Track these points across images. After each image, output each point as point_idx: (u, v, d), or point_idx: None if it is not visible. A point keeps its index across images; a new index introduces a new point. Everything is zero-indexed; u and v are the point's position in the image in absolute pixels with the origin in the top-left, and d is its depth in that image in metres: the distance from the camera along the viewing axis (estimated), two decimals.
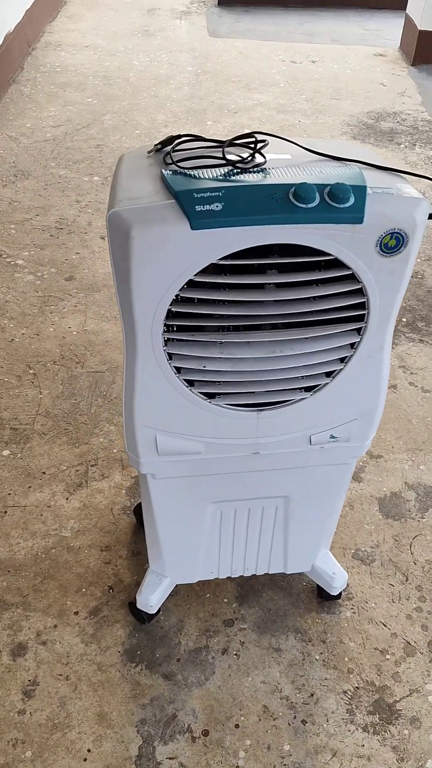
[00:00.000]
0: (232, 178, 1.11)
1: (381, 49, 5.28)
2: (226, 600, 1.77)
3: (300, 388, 1.30)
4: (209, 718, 1.55)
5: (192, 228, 1.05)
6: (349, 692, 1.60)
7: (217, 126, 4.04)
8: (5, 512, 1.94)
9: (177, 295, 1.13)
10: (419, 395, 2.36)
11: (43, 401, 2.28)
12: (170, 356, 1.22)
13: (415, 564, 1.86)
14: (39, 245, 2.99)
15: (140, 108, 4.22)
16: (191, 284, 1.13)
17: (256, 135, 1.21)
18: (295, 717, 1.56)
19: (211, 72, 4.77)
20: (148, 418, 1.31)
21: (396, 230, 1.10)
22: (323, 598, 1.77)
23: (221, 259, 1.10)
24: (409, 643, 1.70)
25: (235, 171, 1.12)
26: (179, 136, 1.23)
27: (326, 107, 4.34)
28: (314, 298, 1.18)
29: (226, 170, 1.13)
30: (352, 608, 1.76)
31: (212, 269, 1.12)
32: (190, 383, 1.26)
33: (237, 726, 1.54)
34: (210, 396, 1.28)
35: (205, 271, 1.11)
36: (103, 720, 1.54)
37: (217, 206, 1.06)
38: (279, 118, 4.17)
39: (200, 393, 1.27)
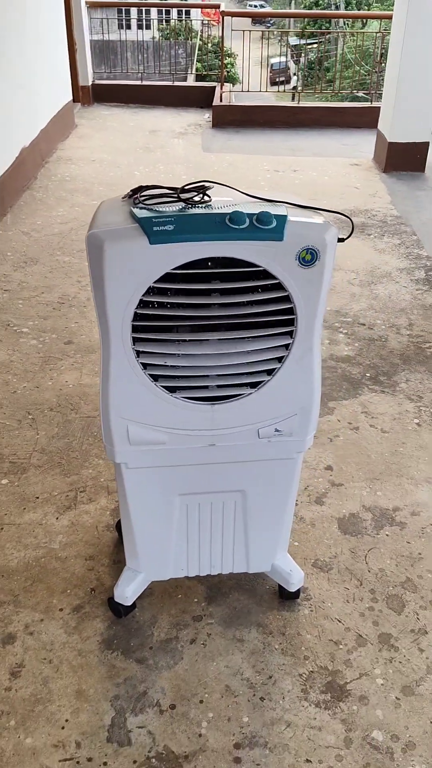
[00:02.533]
0: (184, 211, 1.44)
1: (356, 160, 5.90)
2: (196, 600, 1.96)
3: (246, 384, 1.58)
4: (176, 695, 1.71)
5: (150, 243, 1.37)
6: (304, 675, 1.77)
7: None
8: (1, 528, 2.16)
9: (141, 300, 1.44)
10: (378, 435, 2.62)
11: (40, 440, 2.55)
12: (138, 354, 1.51)
13: (369, 572, 2.05)
14: (43, 316, 3.36)
15: None
16: (152, 291, 1.44)
17: (204, 183, 1.56)
18: (254, 695, 1.72)
19: (203, 178, 5.33)
20: (120, 409, 1.59)
21: (310, 246, 1.42)
22: (284, 597, 1.95)
23: (175, 269, 1.41)
24: (360, 635, 1.87)
25: (187, 206, 1.46)
26: (146, 186, 1.58)
27: None
28: (251, 302, 1.48)
29: (180, 206, 1.47)
30: (310, 607, 1.94)
31: (169, 278, 1.43)
32: (155, 378, 1.55)
33: (201, 701, 1.70)
34: (171, 390, 1.56)
35: (163, 280, 1.42)
36: (81, 696, 1.70)
37: (169, 227, 1.39)
38: None
39: (163, 387, 1.55)
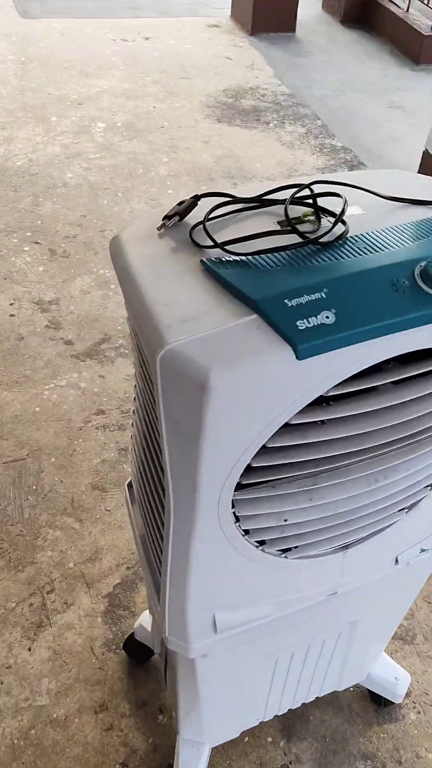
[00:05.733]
0: (314, 262, 0.73)
1: (213, 20, 4.93)
2: (270, 739, 1.42)
3: (400, 510, 0.97)
4: None
5: (298, 357, 0.67)
6: None
7: (64, 121, 3.51)
8: None
9: (263, 446, 0.75)
10: None
11: None
12: (237, 518, 0.84)
13: None
14: None
15: None
16: (283, 429, 0.75)
17: (310, 186, 0.84)
18: None
19: (38, 59, 4.18)
20: (205, 599, 0.92)
21: None
22: (379, 704, 1.48)
23: (332, 388, 0.73)
24: None
25: (315, 249, 0.75)
26: (200, 196, 0.82)
27: (178, 88, 3.94)
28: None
29: (304, 251, 0.75)
30: (414, 707, 1.49)
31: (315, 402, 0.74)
32: (261, 542, 0.89)
33: None
34: (284, 550, 0.92)
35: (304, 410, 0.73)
36: None
37: (327, 317, 0.68)
38: (130, 105, 3.72)
39: (274, 551, 0.90)
